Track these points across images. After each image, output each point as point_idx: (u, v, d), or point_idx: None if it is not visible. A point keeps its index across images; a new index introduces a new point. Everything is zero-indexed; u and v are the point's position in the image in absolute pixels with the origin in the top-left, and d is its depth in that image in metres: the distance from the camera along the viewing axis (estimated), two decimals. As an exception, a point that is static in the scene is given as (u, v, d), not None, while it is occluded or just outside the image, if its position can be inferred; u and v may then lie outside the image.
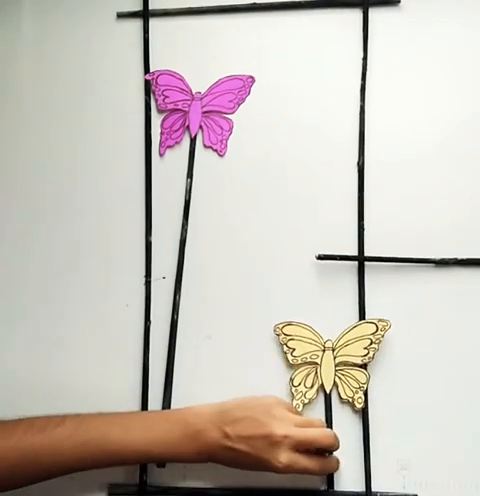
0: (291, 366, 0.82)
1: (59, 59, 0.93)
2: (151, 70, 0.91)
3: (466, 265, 0.82)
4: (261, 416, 0.74)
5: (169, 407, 0.82)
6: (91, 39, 0.93)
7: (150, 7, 0.93)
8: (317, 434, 0.75)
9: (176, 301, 0.84)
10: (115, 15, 0.94)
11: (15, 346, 0.86)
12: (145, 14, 0.93)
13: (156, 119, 0.90)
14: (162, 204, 0.88)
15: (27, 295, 0.88)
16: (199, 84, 0.90)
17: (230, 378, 0.82)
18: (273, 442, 0.72)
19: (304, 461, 0.74)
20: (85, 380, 0.80)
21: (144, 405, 0.83)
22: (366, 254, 0.83)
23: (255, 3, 0.91)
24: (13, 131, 0.92)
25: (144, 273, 0.86)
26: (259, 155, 0.88)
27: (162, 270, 0.86)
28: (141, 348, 0.84)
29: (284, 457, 0.72)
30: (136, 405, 0.83)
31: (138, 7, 0.93)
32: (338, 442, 0.76)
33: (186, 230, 0.86)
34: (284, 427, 0.73)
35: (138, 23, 0.93)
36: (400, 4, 0.89)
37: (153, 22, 0.93)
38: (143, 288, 0.86)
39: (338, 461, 0.78)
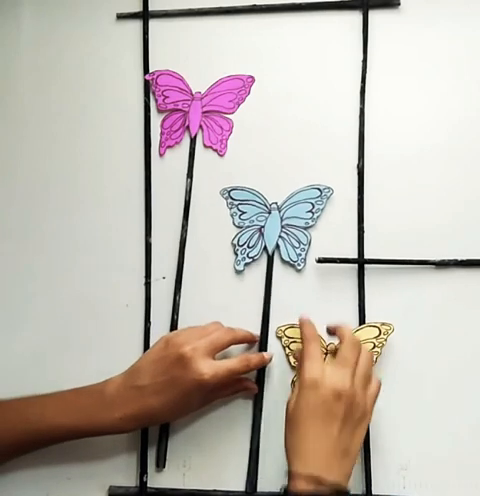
0: (293, 368, 0.81)
1: (59, 60, 0.93)
2: (151, 71, 0.91)
3: (466, 266, 0.82)
4: (164, 352, 0.75)
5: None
6: (91, 40, 0.93)
7: (150, 8, 0.93)
8: (220, 333, 0.77)
9: (176, 301, 0.84)
10: (115, 16, 0.93)
11: (14, 346, 0.86)
12: (145, 15, 0.92)
13: (156, 119, 0.90)
14: (162, 204, 0.88)
15: (27, 295, 0.88)
16: (199, 84, 0.90)
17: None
18: (186, 360, 0.72)
19: (226, 362, 0.74)
20: (85, 381, 0.80)
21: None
22: (366, 256, 0.83)
23: (255, 5, 0.91)
24: (13, 132, 0.92)
25: (144, 273, 0.86)
26: (259, 155, 0.88)
27: (162, 270, 0.86)
28: (141, 349, 0.84)
29: (204, 366, 0.72)
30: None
31: (138, 8, 0.93)
32: (243, 332, 0.79)
33: (186, 230, 0.86)
34: (189, 344, 0.74)
35: (138, 24, 0.93)
36: (400, 7, 0.89)
37: (153, 23, 0.93)
38: (143, 288, 0.86)
39: (262, 355, 0.79)
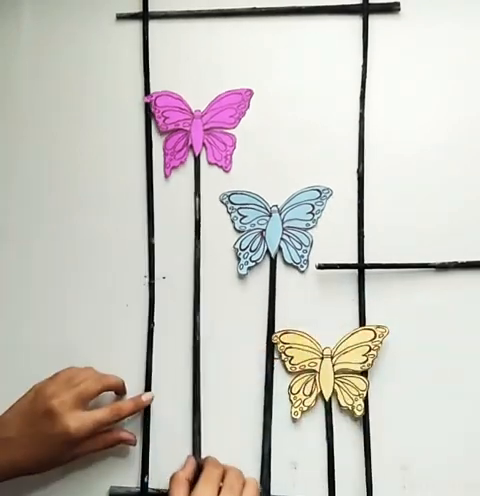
0: (290, 373, 0.82)
1: (58, 60, 0.93)
2: (150, 72, 0.91)
3: (466, 268, 0.82)
4: (33, 404, 0.74)
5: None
6: (90, 40, 0.93)
7: (150, 9, 0.92)
8: (89, 383, 0.76)
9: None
10: (115, 17, 0.93)
11: (14, 347, 0.86)
12: (145, 16, 0.92)
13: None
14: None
15: (27, 296, 0.88)
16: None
17: (230, 385, 0.83)
18: (52, 414, 0.72)
19: (94, 413, 0.74)
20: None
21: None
22: (366, 259, 0.84)
23: (255, 7, 0.90)
24: (12, 134, 0.92)
25: (144, 274, 0.87)
26: (259, 159, 0.88)
27: (163, 272, 0.87)
28: (144, 350, 0.85)
29: (70, 419, 0.72)
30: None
31: (138, 9, 0.92)
32: (113, 380, 0.80)
33: (199, 250, 0.86)
34: (57, 396, 0.73)
35: (138, 25, 0.92)
36: (400, 11, 0.89)
37: (153, 24, 0.92)
38: (142, 289, 0.86)
39: (136, 400, 0.80)
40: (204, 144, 0.89)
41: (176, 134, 0.90)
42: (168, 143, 0.90)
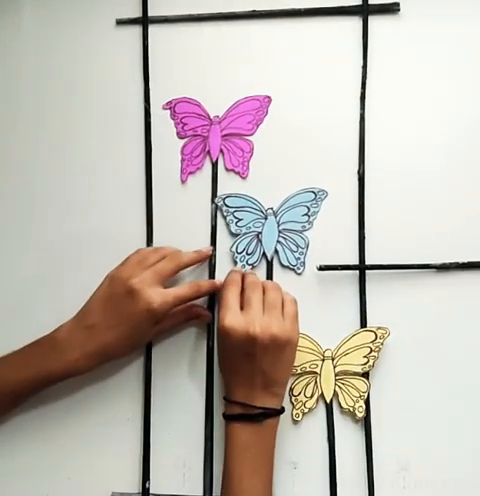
0: (291, 376, 0.81)
1: (58, 65, 0.93)
2: (150, 76, 0.91)
3: (467, 268, 0.82)
4: (111, 289, 0.78)
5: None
6: (90, 45, 0.93)
7: (150, 14, 0.92)
8: (164, 263, 0.79)
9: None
10: (114, 22, 0.93)
11: (13, 346, 0.86)
12: (144, 21, 0.92)
13: (156, 124, 0.90)
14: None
15: (27, 296, 0.88)
16: (200, 92, 0.90)
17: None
18: (134, 292, 0.75)
19: (175, 290, 0.77)
20: (89, 386, 0.83)
21: (147, 398, 0.84)
22: (367, 262, 0.84)
23: (254, 10, 0.91)
24: (10, 135, 0.92)
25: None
26: (263, 167, 0.88)
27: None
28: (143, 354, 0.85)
29: (152, 295, 0.75)
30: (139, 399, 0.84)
31: (137, 14, 0.93)
32: (189, 255, 0.82)
33: (215, 256, 0.86)
34: (134, 276, 0.76)
35: (137, 30, 0.93)
36: (400, 12, 0.89)
37: (152, 29, 0.92)
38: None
39: (213, 281, 0.83)
40: (222, 150, 0.89)
41: (194, 140, 0.90)
42: (186, 148, 0.90)
